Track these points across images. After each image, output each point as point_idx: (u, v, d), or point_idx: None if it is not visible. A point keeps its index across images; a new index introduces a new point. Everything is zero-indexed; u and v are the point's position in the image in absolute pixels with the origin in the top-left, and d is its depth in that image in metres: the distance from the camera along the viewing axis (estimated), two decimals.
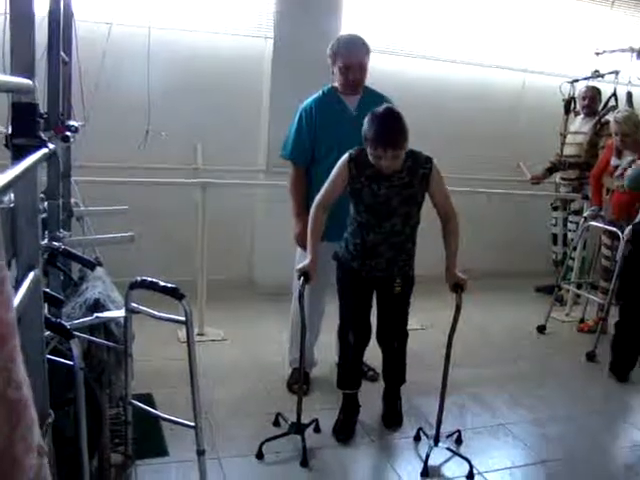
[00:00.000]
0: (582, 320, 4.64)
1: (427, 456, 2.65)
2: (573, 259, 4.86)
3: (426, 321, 4.05)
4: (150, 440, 2.67)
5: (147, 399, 2.91)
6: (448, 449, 2.72)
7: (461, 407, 3.22)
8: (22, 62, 1.06)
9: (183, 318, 2.09)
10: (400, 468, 2.68)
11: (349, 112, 3.04)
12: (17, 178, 0.91)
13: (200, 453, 2.27)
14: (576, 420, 3.23)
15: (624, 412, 3.40)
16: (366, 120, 2.55)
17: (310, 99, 3.11)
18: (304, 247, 2.83)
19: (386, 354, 2.99)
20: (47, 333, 1.75)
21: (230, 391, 3.18)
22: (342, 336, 2.95)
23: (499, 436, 3.01)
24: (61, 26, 2.12)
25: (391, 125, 2.53)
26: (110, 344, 2.20)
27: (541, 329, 4.50)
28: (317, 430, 2.87)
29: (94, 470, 2.31)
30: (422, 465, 2.63)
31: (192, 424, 2.25)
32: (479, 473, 2.66)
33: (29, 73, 1.07)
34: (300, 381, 2.81)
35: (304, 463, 2.61)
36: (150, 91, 4.09)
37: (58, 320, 1.75)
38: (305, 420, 2.77)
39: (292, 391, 3.18)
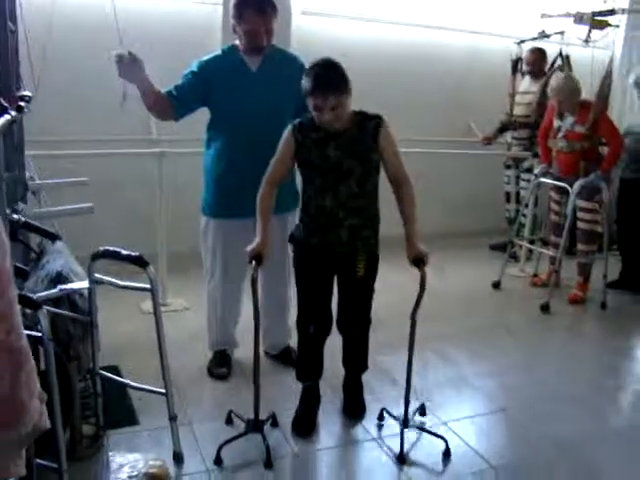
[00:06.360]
0: (535, 275, 4.80)
1: (402, 440, 2.51)
2: (525, 216, 5.00)
3: (380, 283, 4.13)
4: (120, 410, 2.68)
5: (114, 371, 2.91)
6: (419, 428, 2.65)
7: (424, 363, 3.31)
8: None
9: (148, 286, 2.10)
10: (373, 457, 2.55)
11: (249, 70, 2.86)
12: None
13: (172, 419, 2.31)
14: (533, 369, 3.37)
15: (579, 359, 3.56)
16: (304, 74, 2.42)
17: (208, 56, 2.91)
18: None
19: (347, 340, 2.80)
20: None
21: (194, 359, 3.19)
22: (301, 326, 2.74)
23: (460, 388, 3.12)
24: None
25: (327, 72, 2.39)
26: (76, 315, 2.20)
27: (496, 285, 4.65)
28: (274, 425, 2.68)
29: (66, 443, 2.32)
30: (397, 450, 2.52)
31: (163, 391, 2.28)
32: (443, 423, 2.76)
33: None
34: (256, 374, 2.47)
35: (268, 464, 2.40)
36: (97, 59, 4.00)
37: (23, 292, 1.74)
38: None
39: (213, 376, 3.08)
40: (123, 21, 4.16)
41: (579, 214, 4.30)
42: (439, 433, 2.61)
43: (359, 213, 2.55)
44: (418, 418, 2.76)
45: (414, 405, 2.75)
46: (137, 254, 2.12)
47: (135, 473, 1.91)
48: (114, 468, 1.94)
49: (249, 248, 2.44)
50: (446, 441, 2.55)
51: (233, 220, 2.94)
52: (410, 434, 2.63)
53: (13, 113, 1.12)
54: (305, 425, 2.70)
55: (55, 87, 3.58)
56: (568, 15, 4.89)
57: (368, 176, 2.54)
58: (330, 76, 2.38)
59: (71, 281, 2.26)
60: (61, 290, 2.12)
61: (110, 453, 2.00)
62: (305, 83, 2.39)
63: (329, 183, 2.52)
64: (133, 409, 2.72)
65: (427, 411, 2.83)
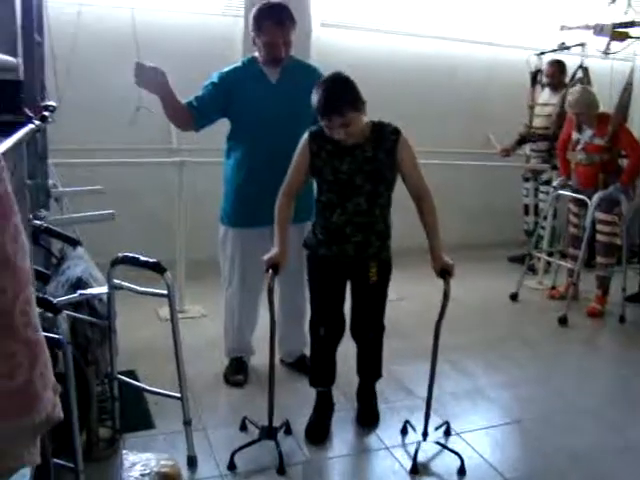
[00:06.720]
0: (553, 287, 4.78)
1: (416, 452, 2.51)
2: (544, 228, 4.99)
3: (402, 292, 4.15)
4: (136, 414, 2.73)
5: (131, 375, 2.95)
6: (437, 443, 2.62)
7: (439, 373, 3.27)
8: (5, 41, 1.09)
9: (166, 292, 2.15)
10: (386, 466, 2.55)
11: (268, 82, 2.92)
12: (8, 151, 0.95)
13: (187, 423, 2.35)
14: (549, 382, 3.35)
15: (595, 373, 3.54)
16: (314, 90, 2.40)
17: (228, 68, 2.96)
18: None
19: (361, 348, 2.80)
20: None
21: (210, 365, 3.23)
22: (313, 330, 2.76)
23: (475, 399, 3.12)
24: (33, 8, 2.13)
25: (334, 91, 2.35)
26: (94, 320, 2.24)
27: (514, 297, 4.63)
28: (288, 432, 2.68)
29: (83, 445, 2.37)
30: (411, 461, 2.51)
31: (178, 395, 2.32)
32: (457, 434, 2.76)
33: (12, 51, 1.10)
34: (271, 382, 2.51)
35: (281, 470, 2.42)
36: (120, 72, 4.08)
37: (44, 296, 1.79)
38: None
39: (229, 383, 3.12)
40: (146, 34, 4.28)
41: (598, 226, 4.28)
42: (456, 449, 2.58)
43: (366, 229, 2.55)
44: (440, 434, 2.72)
45: (433, 418, 2.71)
46: (155, 260, 2.16)
47: (147, 471, 1.95)
48: (127, 466, 1.98)
49: (266, 257, 2.46)
50: (462, 459, 2.52)
51: (251, 229, 2.98)
52: (427, 447, 2.62)
53: (37, 122, 1.17)
54: (318, 432, 2.71)
55: (78, 97, 3.66)
56: (587, 27, 4.89)
57: (379, 193, 2.53)
58: (336, 96, 2.35)
59: (91, 286, 2.31)
60: (81, 295, 2.17)
61: (124, 451, 2.04)
62: (314, 101, 2.39)
63: (339, 198, 2.52)
64: (149, 413, 2.76)
65: (440, 420, 2.81)
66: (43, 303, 1.72)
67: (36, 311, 0.77)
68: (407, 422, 2.76)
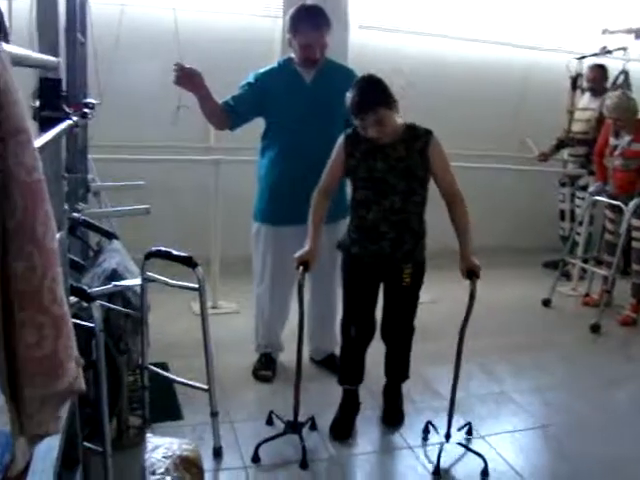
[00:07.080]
0: (587, 294, 4.72)
1: (439, 453, 2.52)
2: (579, 234, 4.92)
3: (435, 294, 4.16)
4: (165, 405, 2.80)
5: (162, 368, 3.02)
6: (460, 444, 2.62)
7: (467, 376, 3.29)
8: (48, 41, 1.16)
9: (197, 285, 2.21)
10: (408, 465, 2.57)
11: (304, 83, 2.98)
12: (46, 145, 1.01)
13: (214, 414, 2.41)
14: (578, 388, 3.32)
15: (626, 381, 3.49)
16: (348, 92, 2.48)
17: (264, 69, 3.04)
18: None
19: (389, 349, 2.83)
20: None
21: (240, 360, 3.28)
22: (344, 329, 2.80)
23: (502, 402, 3.11)
24: (77, 9, 2.22)
25: (367, 90, 2.44)
26: (128, 311, 2.32)
27: (546, 303, 4.59)
28: (313, 428, 2.73)
29: (113, 432, 2.44)
30: (433, 461, 2.52)
31: (205, 387, 2.38)
32: (481, 437, 2.76)
33: (54, 51, 1.17)
34: (298, 377, 2.56)
35: (304, 465, 2.46)
36: (160, 71, 4.18)
37: (78, 285, 1.86)
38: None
39: (257, 378, 3.17)
40: (187, 34, 4.37)
41: (634, 233, 4.21)
42: (479, 452, 2.57)
43: (401, 227, 2.58)
44: (462, 435, 2.71)
45: (458, 421, 2.72)
46: (187, 255, 2.23)
47: (170, 454, 2.02)
48: (150, 449, 2.05)
49: (297, 254, 2.52)
50: (485, 461, 2.51)
51: (284, 227, 3.03)
52: (451, 449, 2.62)
53: (75, 118, 1.24)
54: (342, 429, 2.74)
55: (119, 95, 3.76)
56: (630, 31, 4.82)
57: (413, 191, 2.56)
58: (369, 94, 2.43)
59: (125, 279, 2.39)
60: (115, 286, 2.25)
61: (148, 434, 2.11)
62: (347, 101, 2.46)
63: (373, 196, 2.56)
64: (178, 405, 2.83)
65: (465, 424, 2.82)
66: (77, 292, 1.79)
67: (62, 289, 0.85)
68: (429, 423, 2.77)
